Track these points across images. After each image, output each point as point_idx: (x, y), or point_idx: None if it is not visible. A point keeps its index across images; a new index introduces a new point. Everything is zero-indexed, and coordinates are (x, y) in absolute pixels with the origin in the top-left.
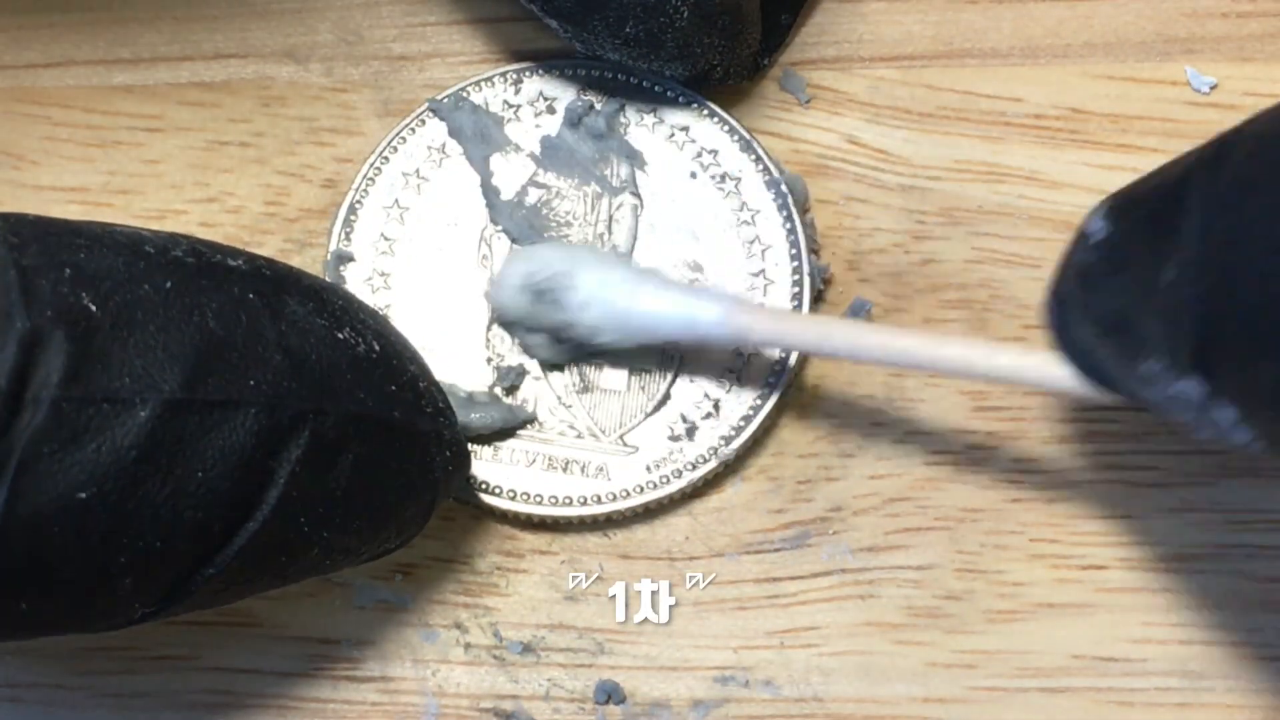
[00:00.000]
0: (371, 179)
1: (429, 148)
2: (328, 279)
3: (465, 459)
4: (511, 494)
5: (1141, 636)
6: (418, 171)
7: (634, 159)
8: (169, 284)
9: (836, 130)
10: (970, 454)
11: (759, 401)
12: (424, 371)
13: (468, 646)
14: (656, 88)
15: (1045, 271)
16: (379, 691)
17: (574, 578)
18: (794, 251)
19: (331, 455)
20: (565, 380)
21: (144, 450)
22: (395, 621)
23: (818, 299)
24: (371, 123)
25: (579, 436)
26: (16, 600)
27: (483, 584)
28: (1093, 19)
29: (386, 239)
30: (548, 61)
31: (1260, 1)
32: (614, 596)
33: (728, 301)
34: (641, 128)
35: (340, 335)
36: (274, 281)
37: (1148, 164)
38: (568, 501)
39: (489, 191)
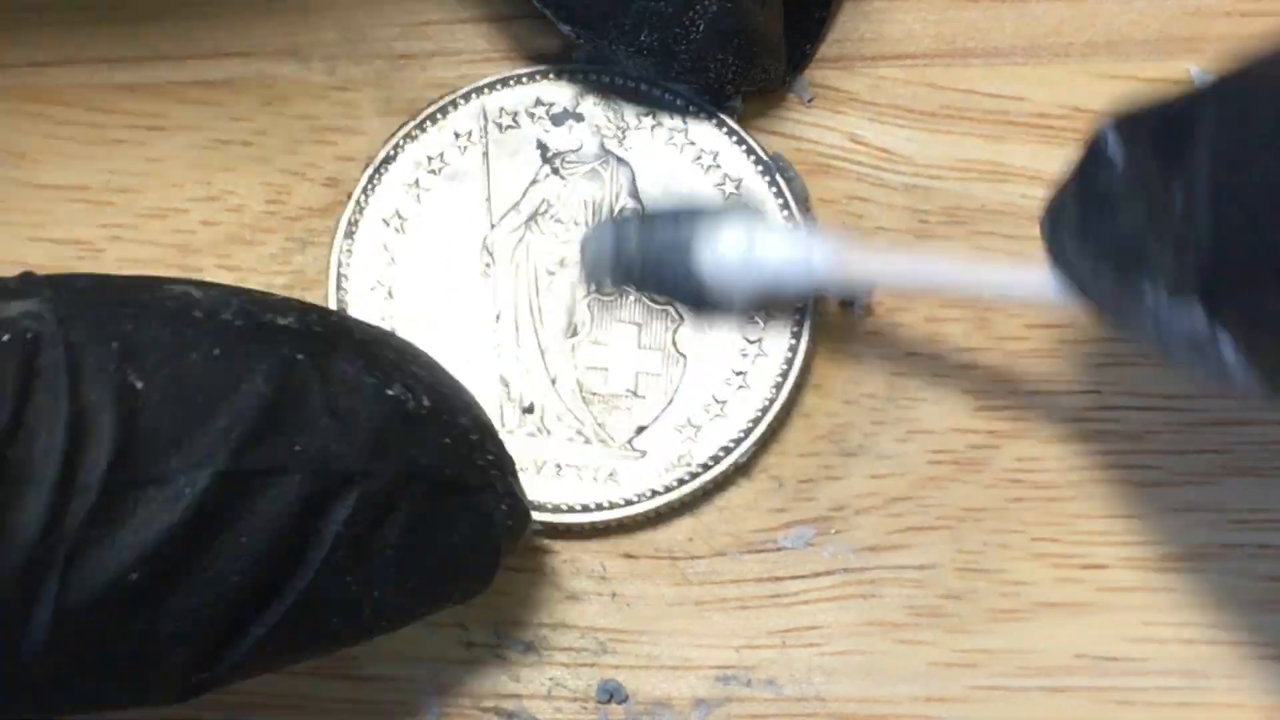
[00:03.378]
0: (371, 188)
1: (428, 156)
2: (332, 290)
3: (523, 508)
4: None
5: (1143, 636)
6: (417, 181)
7: (635, 163)
8: (217, 351)
9: (839, 129)
10: (972, 453)
11: (767, 402)
12: (478, 423)
13: (469, 645)
14: (655, 91)
15: None
16: (379, 690)
17: (575, 577)
18: None
19: (380, 515)
20: (570, 384)
21: (191, 526)
22: None
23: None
24: (374, 122)
25: (587, 442)
26: (71, 683)
27: None
28: (1095, 18)
29: (387, 250)
30: (549, 66)
31: (1264, 1)
32: (616, 595)
33: (831, 243)
34: (640, 130)
35: (390, 392)
36: (324, 339)
37: None
38: (578, 509)
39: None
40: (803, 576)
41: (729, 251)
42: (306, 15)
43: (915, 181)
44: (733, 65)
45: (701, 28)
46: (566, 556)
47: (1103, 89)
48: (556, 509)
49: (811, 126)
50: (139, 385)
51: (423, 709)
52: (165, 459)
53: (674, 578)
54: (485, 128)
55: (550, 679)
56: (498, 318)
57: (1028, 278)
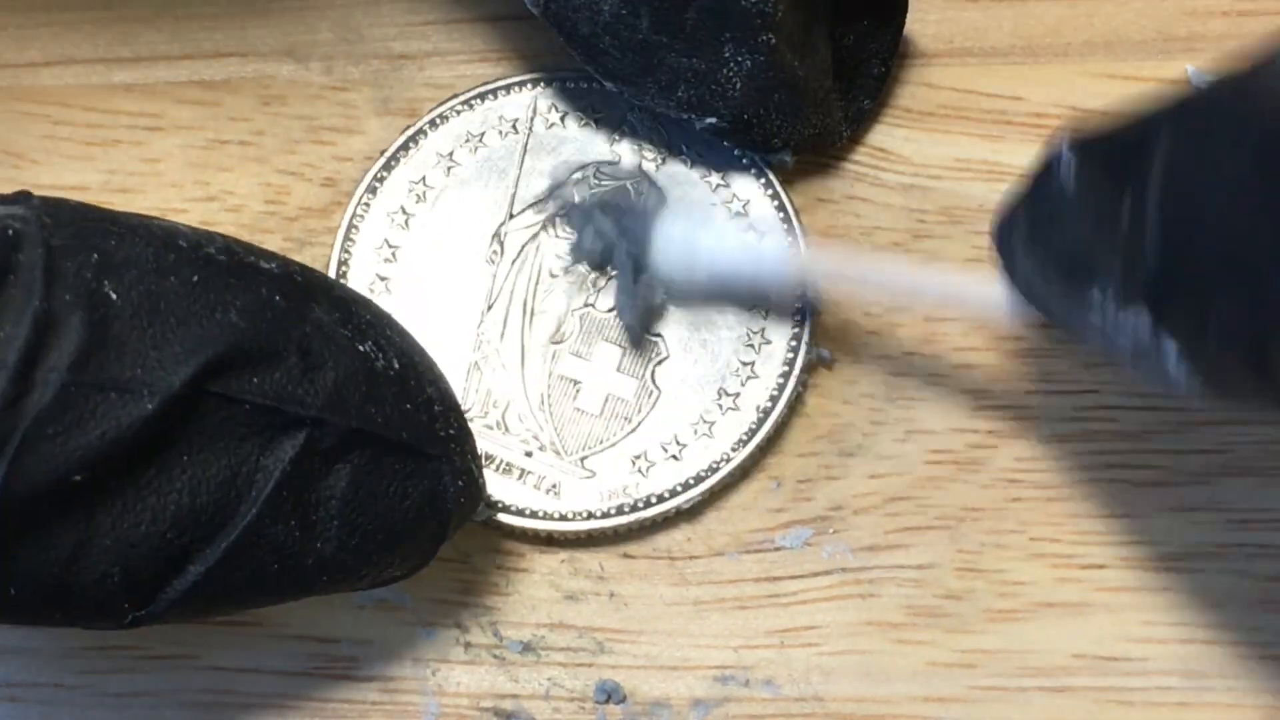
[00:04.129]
0: (404, 152)
1: (469, 133)
2: (339, 240)
3: (477, 488)
4: None
5: (1142, 636)
6: (451, 154)
7: (666, 191)
8: (196, 278)
9: None
10: (970, 453)
11: (725, 457)
12: (444, 396)
13: (468, 646)
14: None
15: None
16: (379, 691)
17: (574, 577)
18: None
19: (327, 462)
20: (541, 389)
21: (142, 437)
22: (395, 620)
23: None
24: (372, 121)
25: (541, 448)
26: (6, 583)
27: (483, 583)
28: (1093, 18)
29: (404, 212)
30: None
31: (1262, 0)
32: (614, 595)
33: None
34: (680, 161)
35: (361, 348)
36: (304, 288)
37: None
38: (512, 510)
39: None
40: (801, 576)
41: (683, 231)
42: (304, 15)
43: (913, 181)
44: (775, 120)
45: (739, 85)
46: (564, 557)
47: (1100, 89)
48: (492, 505)
49: None
50: (113, 297)
51: (422, 709)
52: (130, 369)
53: (672, 578)
54: (532, 121)
55: (548, 679)
56: (489, 307)
57: (978, 284)
